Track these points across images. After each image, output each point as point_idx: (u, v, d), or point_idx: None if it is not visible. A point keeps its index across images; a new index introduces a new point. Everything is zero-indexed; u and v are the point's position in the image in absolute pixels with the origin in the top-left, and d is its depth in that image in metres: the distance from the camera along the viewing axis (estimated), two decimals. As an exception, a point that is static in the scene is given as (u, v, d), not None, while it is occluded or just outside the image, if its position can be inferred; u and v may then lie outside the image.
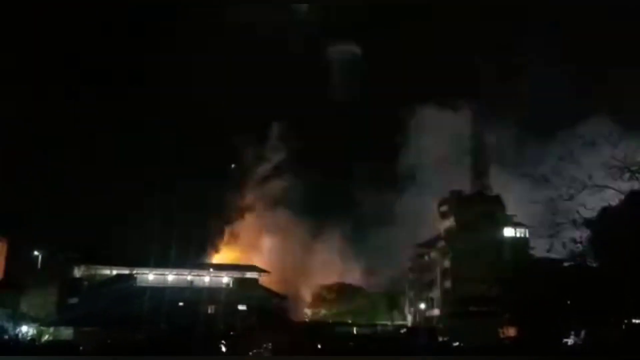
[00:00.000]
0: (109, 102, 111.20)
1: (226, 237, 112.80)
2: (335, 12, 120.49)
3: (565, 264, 40.45)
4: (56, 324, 73.32)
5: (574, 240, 29.70)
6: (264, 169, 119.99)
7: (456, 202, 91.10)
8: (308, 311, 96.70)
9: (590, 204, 27.79)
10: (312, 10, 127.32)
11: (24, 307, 77.13)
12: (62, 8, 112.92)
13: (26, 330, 73.46)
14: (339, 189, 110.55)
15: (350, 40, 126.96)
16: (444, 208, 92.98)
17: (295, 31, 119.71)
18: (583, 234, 29.29)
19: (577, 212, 26.61)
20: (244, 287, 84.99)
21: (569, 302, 49.04)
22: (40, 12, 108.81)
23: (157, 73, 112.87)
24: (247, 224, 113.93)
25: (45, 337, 71.15)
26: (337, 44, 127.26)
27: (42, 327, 73.50)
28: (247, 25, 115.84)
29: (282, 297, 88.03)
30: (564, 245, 29.21)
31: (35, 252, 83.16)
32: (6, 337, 66.06)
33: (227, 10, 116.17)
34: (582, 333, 52.84)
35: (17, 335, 69.71)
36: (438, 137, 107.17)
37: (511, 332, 65.04)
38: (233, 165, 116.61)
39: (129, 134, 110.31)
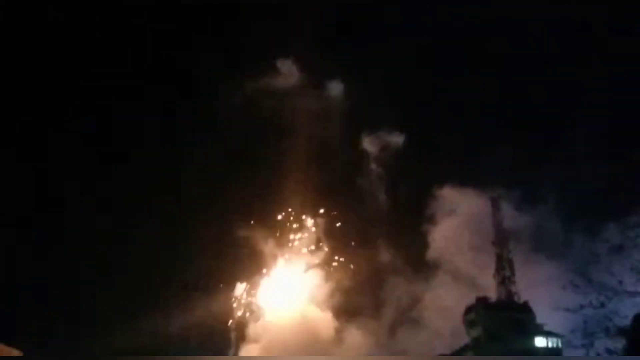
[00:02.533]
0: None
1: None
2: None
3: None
4: None
5: (609, 351, 28.23)
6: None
7: (483, 310, 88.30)
8: None
9: (624, 312, 26.70)
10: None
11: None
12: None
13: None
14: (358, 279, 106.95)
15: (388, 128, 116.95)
16: (471, 316, 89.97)
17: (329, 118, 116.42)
18: (618, 344, 27.93)
19: (610, 319, 25.50)
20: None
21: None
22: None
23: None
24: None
25: None
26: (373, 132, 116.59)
27: None
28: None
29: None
30: (598, 355, 27.75)
31: None
32: None
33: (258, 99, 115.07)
34: None
35: None
36: (464, 230, 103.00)
37: None
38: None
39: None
